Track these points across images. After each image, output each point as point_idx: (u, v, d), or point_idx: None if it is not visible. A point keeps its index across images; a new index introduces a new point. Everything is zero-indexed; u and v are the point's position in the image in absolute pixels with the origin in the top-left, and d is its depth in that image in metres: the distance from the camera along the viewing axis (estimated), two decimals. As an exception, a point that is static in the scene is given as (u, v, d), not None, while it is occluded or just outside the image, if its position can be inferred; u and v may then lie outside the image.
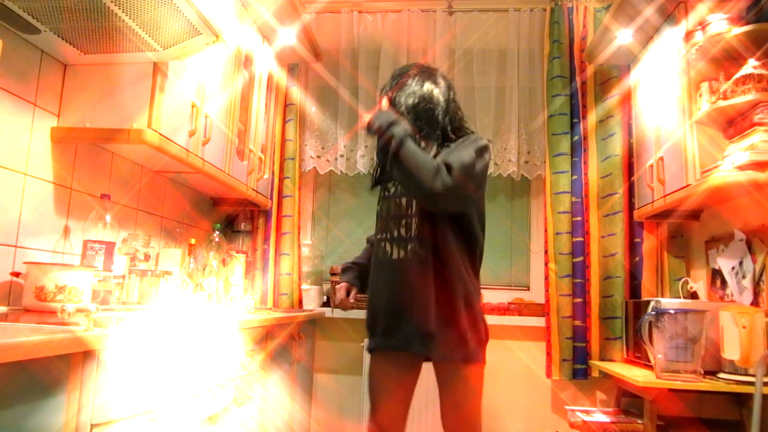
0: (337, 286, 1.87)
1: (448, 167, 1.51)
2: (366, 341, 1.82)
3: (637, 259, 2.75)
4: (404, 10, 3.14)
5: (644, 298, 2.65)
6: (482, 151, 1.63)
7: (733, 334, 1.90)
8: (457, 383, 1.63)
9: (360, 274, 1.88)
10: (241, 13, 2.45)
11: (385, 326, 1.68)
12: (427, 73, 1.76)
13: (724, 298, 2.26)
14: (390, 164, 1.55)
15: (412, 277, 1.62)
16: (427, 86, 1.72)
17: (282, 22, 2.69)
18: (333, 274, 2.98)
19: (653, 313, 2.09)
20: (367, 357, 2.64)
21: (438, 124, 1.71)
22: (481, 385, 1.67)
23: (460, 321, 1.59)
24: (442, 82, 1.76)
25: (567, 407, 2.65)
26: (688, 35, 2.09)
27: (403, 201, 1.69)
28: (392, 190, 1.75)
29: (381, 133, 1.57)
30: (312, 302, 3.02)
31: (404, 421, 1.75)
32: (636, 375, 2.09)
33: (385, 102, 1.71)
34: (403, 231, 1.66)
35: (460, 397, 1.63)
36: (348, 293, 1.85)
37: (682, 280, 2.55)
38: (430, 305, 1.59)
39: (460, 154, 1.57)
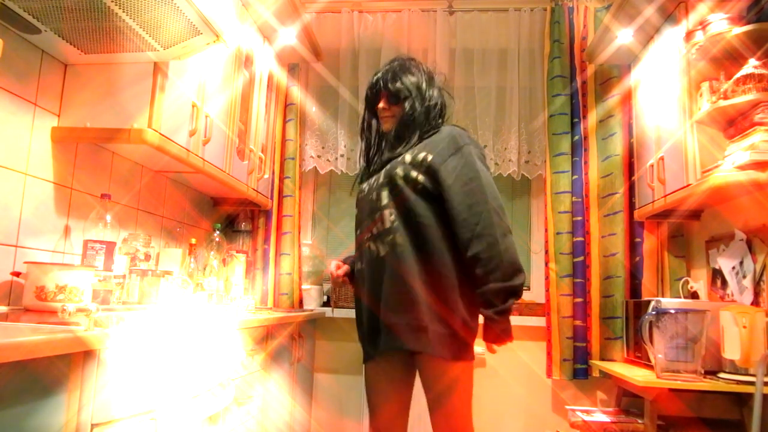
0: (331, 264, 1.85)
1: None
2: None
3: (638, 258, 2.75)
4: (405, 10, 3.14)
5: (645, 298, 2.65)
6: (480, 157, 1.65)
7: (733, 334, 1.90)
8: (434, 380, 1.57)
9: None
10: (242, 13, 2.45)
11: (367, 330, 1.69)
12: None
13: (725, 298, 2.26)
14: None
15: (391, 271, 1.57)
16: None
17: (282, 22, 2.69)
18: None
19: (654, 312, 2.09)
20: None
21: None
22: (464, 384, 1.59)
23: (430, 310, 1.53)
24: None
25: (567, 407, 2.65)
26: (689, 35, 2.09)
27: (374, 195, 1.68)
28: (366, 188, 1.75)
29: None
30: (312, 302, 3.02)
31: (405, 421, 1.74)
32: (636, 375, 2.09)
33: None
34: (379, 226, 1.64)
35: (441, 392, 1.57)
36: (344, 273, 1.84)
37: (683, 279, 2.55)
38: (408, 296, 1.54)
39: (468, 174, 1.57)
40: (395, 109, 1.74)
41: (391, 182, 1.63)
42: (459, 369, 1.58)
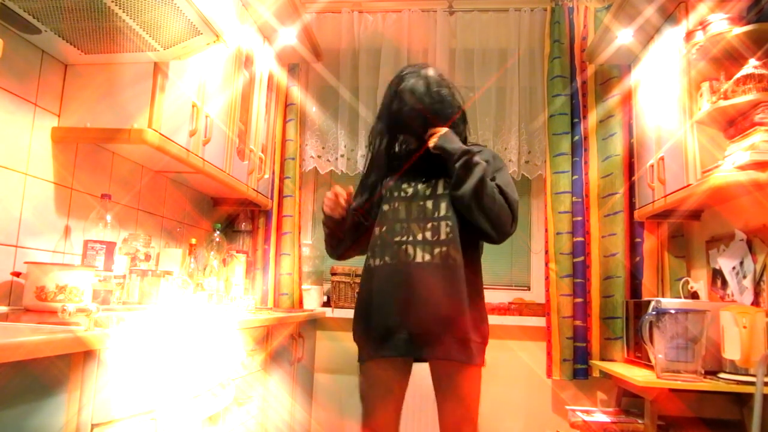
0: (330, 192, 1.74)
1: (511, 204, 1.67)
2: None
3: (638, 258, 2.75)
4: (405, 10, 3.14)
5: (645, 298, 2.65)
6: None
7: (733, 334, 1.90)
8: (462, 384, 1.63)
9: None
10: (242, 13, 2.45)
11: (380, 330, 1.63)
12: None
13: (725, 298, 2.26)
14: (473, 191, 1.60)
15: (439, 281, 1.60)
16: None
17: (282, 22, 2.69)
18: (333, 274, 2.98)
19: (654, 313, 2.09)
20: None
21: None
22: (479, 386, 1.69)
23: (471, 323, 1.61)
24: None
25: (567, 407, 2.65)
26: (689, 35, 2.09)
27: (429, 204, 1.66)
28: (410, 191, 1.70)
29: (461, 156, 1.62)
30: (313, 302, 3.02)
31: (399, 422, 1.73)
32: (636, 375, 2.09)
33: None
34: (429, 234, 1.63)
35: (464, 398, 1.63)
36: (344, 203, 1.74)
37: (683, 280, 2.55)
38: (456, 307, 1.60)
39: (507, 181, 1.70)
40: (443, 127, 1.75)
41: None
42: (480, 374, 1.68)
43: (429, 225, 1.64)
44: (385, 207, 1.72)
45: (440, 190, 1.68)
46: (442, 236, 1.62)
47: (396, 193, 1.71)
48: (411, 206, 1.68)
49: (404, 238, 1.64)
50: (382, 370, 1.69)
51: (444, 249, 1.61)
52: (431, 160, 1.72)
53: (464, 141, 1.77)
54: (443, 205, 1.65)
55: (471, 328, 1.61)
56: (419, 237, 1.63)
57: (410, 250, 1.63)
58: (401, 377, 1.71)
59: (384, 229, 1.69)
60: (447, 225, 1.63)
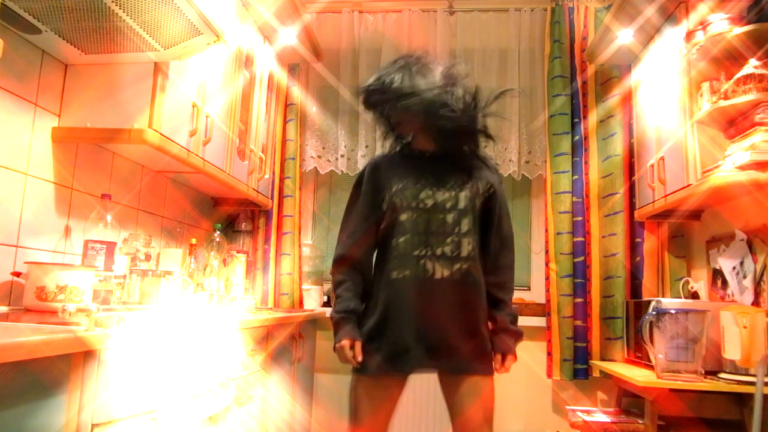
0: (339, 345, 1.59)
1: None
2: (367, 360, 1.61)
3: (638, 259, 2.75)
4: (405, 10, 3.14)
5: (645, 298, 2.65)
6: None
7: (733, 334, 1.90)
8: (488, 395, 1.63)
9: (357, 323, 1.64)
10: (242, 13, 2.45)
11: (425, 347, 1.57)
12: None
13: (725, 298, 2.26)
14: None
15: (458, 298, 1.59)
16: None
17: (283, 22, 2.70)
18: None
19: (654, 313, 2.09)
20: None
21: None
22: (494, 394, 1.71)
23: (488, 336, 1.67)
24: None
25: (568, 407, 2.65)
26: (689, 35, 2.09)
27: (449, 218, 1.60)
28: (430, 203, 1.61)
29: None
30: (313, 302, 3.02)
31: None
32: (637, 375, 2.09)
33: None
34: (448, 250, 1.58)
35: (483, 406, 1.61)
36: (352, 348, 1.60)
37: (683, 280, 2.55)
38: (475, 323, 1.62)
39: (510, 233, 1.76)
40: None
41: (473, 211, 1.63)
42: (493, 381, 1.67)
43: (448, 240, 1.59)
44: (403, 216, 1.61)
45: (462, 203, 1.61)
46: (463, 253, 1.59)
47: (414, 203, 1.61)
48: (431, 219, 1.60)
49: (422, 252, 1.59)
50: (383, 384, 1.62)
51: (465, 266, 1.59)
52: (448, 165, 1.66)
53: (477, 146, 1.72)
54: (465, 221, 1.60)
55: (488, 342, 1.65)
56: (438, 252, 1.58)
57: (428, 265, 1.58)
58: (399, 392, 1.66)
59: (402, 240, 1.60)
60: (468, 243, 1.60)
